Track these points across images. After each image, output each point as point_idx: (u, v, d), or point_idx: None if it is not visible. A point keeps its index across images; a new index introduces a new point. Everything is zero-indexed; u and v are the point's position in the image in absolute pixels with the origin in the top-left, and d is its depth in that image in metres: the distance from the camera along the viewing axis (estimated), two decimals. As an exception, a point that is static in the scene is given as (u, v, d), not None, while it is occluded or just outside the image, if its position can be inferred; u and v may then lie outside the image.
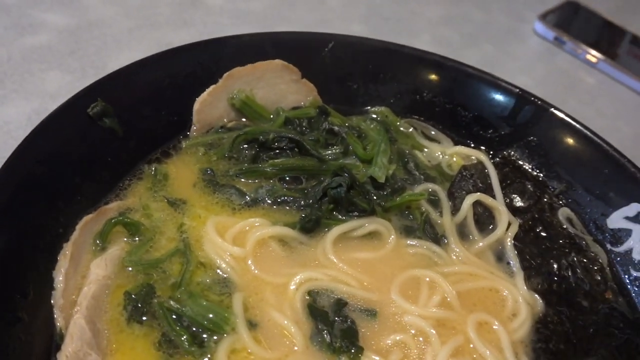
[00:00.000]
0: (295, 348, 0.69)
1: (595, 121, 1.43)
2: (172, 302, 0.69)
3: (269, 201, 0.82)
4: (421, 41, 1.60)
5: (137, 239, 0.76)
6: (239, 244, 0.77)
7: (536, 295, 0.79)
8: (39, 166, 0.70)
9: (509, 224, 0.86)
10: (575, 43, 1.62)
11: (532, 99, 0.96)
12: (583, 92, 1.57)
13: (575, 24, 1.74)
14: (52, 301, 0.66)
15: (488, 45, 1.64)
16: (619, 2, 1.92)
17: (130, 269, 0.73)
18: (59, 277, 0.67)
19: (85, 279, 0.69)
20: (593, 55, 1.59)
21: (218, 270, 0.74)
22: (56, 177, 0.72)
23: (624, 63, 1.57)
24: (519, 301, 0.77)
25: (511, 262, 0.82)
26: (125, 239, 0.75)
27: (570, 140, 0.93)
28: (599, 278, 0.84)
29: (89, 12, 1.41)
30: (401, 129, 0.99)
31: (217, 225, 0.78)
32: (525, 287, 0.79)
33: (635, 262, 0.85)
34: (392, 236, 0.81)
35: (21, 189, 0.67)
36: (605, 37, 1.76)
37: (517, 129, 0.96)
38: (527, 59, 1.63)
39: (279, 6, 1.60)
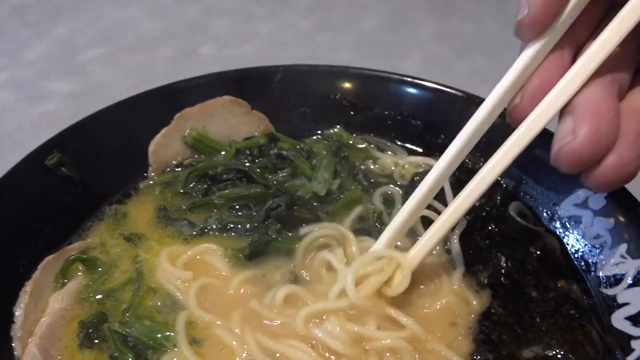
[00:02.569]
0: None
1: None
2: (117, 325, 0.76)
3: (218, 228, 0.90)
4: (410, 61, 1.65)
5: (95, 272, 0.83)
6: (190, 269, 0.83)
7: (469, 293, 0.81)
8: (-1, 215, 0.80)
9: (457, 223, 0.87)
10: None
11: (476, 100, 0.98)
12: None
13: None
14: (11, 333, 0.74)
15: (480, 56, 1.66)
16: None
17: (87, 300, 0.80)
18: (19, 311, 0.76)
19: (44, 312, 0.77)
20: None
21: (168, 294, 0.80)
22: (16, 223, 0.82)
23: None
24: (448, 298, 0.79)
25: (455, 260, 0.83)
26: (80, 274, 0.83)
27: (516, 136, 0.94)
28: (552, 268, 0.85)
29: (91, 77, 1.55)
30: (357, 145, 1.03)
31: (169, 254, 0.86)
32: (456, 285, 0.81)
33: (588, 247, 0.84)
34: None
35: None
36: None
37: (466, 131, 0.98)
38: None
39: (270, 49, 1.69)
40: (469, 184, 0.75)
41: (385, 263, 0.78)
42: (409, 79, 1.04)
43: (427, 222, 0.90)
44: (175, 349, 0.75)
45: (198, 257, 0.87)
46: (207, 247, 0.87)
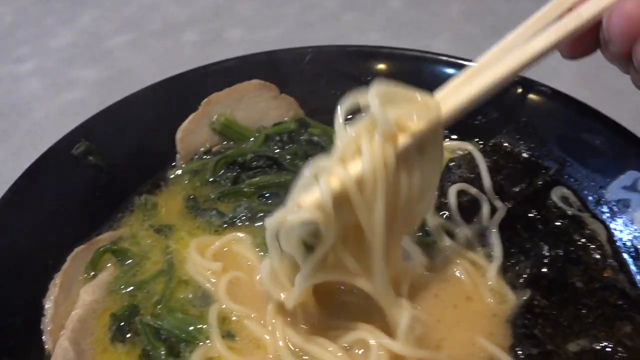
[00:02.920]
0: (270, 356, 0.72)
1: (633, 96, 1.35)
2: (149, 318, 0.74)
3: (247, 217, 0.88)
4: (440, 40, 1.60)
5: (125, 264, 0.81)
6: (220, 260, 0.81)
7: (506, 288, 0.77)
8: (26, 205, 0.79)
9: (495, 211, 0.83)
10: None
11: (517, 77, 0.93)
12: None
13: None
14: (41, 327, 0.72)
15: (512, 35, 1.59)
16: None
17: (118, 292, 0.78)
18: (49, 304, 0.75)
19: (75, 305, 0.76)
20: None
21: (199, 286, 0.79)
22: (42, 213, 0.80)
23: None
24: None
25: (493, 250, 0.80)
26: (109, 265, 0.82)
27: (559, 116, 0.90)
28: (598, 256, 0.81)
29: (118, 63, 1.54)
30: (390, 131, 0.99)
31: (198, 245, 0.85)
32: (493, 278, 0.77)
33: (638, 233, 0.80)
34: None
35: (8, 226, 0.75)
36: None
37: (505, 111, 0.96)
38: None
39: (296, 30, 1.66)
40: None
41: (411, 97, 0.66)
42: (444, 58, 1.00)
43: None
44: (208, 342, 0.73)
45: (225, 249, 0.85)
46: (234, 236, 0.86)
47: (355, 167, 0.63)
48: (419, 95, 0.66)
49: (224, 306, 0.77)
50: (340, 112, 0.66)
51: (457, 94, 0.68)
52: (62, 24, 1.70)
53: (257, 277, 0.80)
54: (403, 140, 0.64)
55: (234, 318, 0.76)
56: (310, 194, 0.63)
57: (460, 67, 0.99)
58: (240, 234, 0.85)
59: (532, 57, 0.67)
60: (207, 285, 0.80)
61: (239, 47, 1.59)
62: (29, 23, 1.71)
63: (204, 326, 0.74)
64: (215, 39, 1.63)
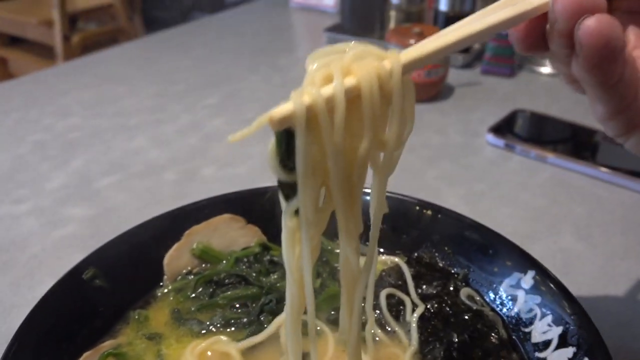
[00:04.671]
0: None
1: (551, 209, 1.69)
2: (145, 405, 0.98)
3: (222, 324, 1.14)
4: (385, 171, 1.93)
5: (124, 365, 1.07)
6: (205, 357, 1.08)
7: None
8: (46, 320, 1.04)
9: (415, 308, 1.12)
10: (524, 145, 1.91)
11: (429, 205, 1.26)
12: (536, 186, 1.84)
13: (523, 128, 2.05)
14: (59, 414, 0.96)
15: (446, 163, 1.96)
16: (565, 105, 2.22)
17: (119, 387, 1.03)
18: (65, 397, 0.98)
19: (85, 399, 1.00)
20: (543, 152, 1.86)
21: (187, 379, 1.04)
22: (60, 326, 1.06)
23: (572, 153, 1.84)
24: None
25: (412, 339, 1.07)
26: (113, 366, 1.06)
27: (462, 232, 1.22)
28: (496, 341, 1.08)
29: (106, 201, 1.81)
30: (335, 250, 1.29)
31: (192, 348, 1.09)
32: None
33: (523, 320, 1.09)
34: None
35: (32, 337, 1.01)
36: (553, 134, 2.05)
37: (423, 231, 1.26)
38: (481, 167, 1.92)
39: (260, 167, 1.98)
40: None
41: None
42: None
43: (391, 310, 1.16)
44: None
45: (209, 352, 1.10)
46: (217, 339, 1.11)
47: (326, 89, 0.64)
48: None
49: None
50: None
51: (414, 50, 0.71)
52: (56, 168, 1.98)
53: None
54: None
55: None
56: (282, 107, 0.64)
57: (398, 201, 1.31)
58: (222, 337, 1.11)
59: (482, 30, 0.71)
60: (194, 378, 1.05)
61: (211, 183, 1.89)
62: (26, 169, 1.99)
63: (189, 410, 1.00)
64: (192, 177, 1.93)
